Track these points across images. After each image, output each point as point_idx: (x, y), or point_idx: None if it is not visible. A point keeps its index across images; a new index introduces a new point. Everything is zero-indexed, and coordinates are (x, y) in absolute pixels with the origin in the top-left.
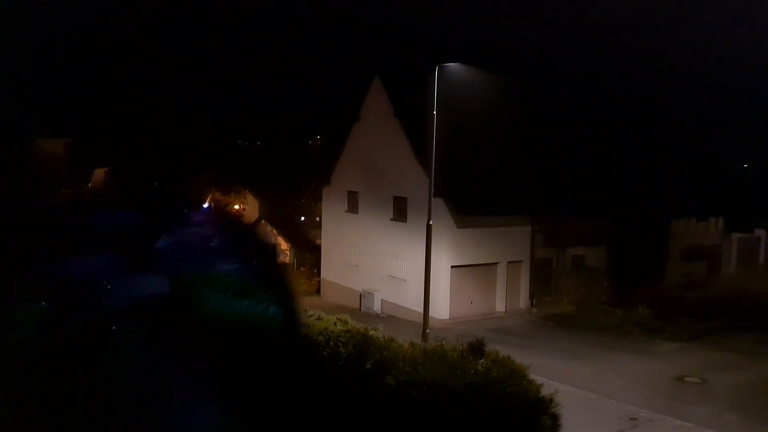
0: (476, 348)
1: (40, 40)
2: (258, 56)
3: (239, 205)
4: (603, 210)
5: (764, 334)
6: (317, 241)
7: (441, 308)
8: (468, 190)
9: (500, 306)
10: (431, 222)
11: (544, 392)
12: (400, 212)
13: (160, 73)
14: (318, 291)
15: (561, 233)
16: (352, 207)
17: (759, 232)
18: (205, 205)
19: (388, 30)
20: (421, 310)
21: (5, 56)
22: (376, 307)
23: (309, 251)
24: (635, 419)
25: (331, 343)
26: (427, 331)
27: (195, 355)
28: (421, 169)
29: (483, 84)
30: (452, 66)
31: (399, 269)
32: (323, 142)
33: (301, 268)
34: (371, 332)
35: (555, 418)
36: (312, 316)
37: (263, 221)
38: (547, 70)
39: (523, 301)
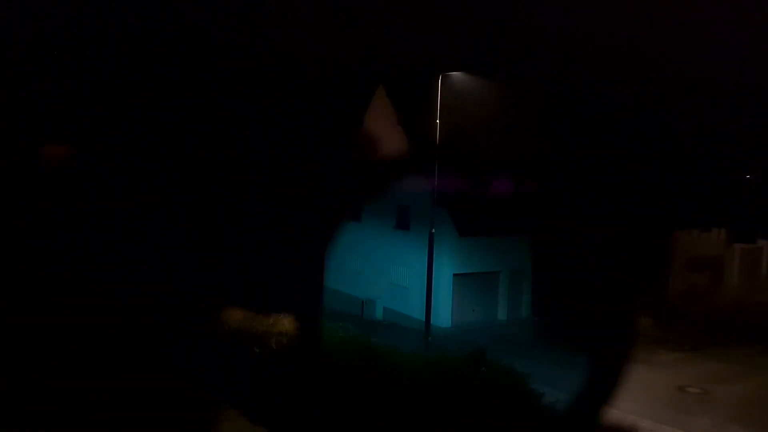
0: (477, 356)
1: (47, 41)
2: (263, 63)
3: None
4: (606, 219)
5: (766, 345)
6: None
7: (443, 316)
8: (471, 198)
9: (502, 314)
10: (433, 230)
11: (545, 401)
12: (402, 220)
13: (165, 77)
14: None
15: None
16: (355, 214)
17: (762, 242)
18: None
19: (392, 38)
20: (423, 318)
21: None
22: (378, 315)
23: None
24: (636, 430)
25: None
26: (429, 338)
27: None
28: (424, 178)
29: (486, 92)
30: (455, 75)
31: (401, 277)
32: None
33: None
34: (373, 340)
35: None
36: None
37: None
38: (551, 78)
39: (525, 309)
